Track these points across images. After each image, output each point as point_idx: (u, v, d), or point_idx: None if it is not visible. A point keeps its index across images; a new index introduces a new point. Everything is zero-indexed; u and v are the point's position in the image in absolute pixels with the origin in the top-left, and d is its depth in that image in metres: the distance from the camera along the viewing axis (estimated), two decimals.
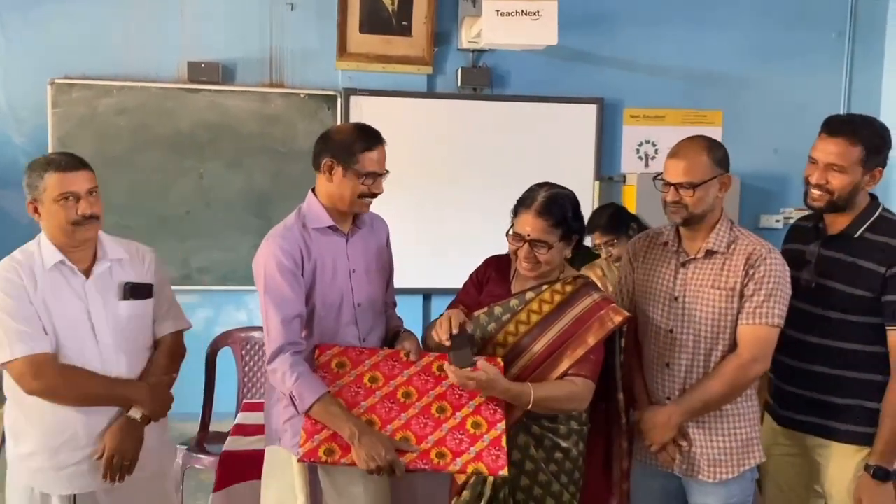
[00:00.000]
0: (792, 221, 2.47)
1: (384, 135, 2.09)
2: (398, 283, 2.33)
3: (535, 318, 2.04)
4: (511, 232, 2.04)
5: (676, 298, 2.09)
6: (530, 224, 1.99)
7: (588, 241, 2.96)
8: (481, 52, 4.45)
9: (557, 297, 2.05)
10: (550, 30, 3.83)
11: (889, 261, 2.03)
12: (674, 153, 2.06)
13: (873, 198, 2.14)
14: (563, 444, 2.01)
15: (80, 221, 2.01)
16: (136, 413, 2.06)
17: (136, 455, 2.05)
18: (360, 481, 2.01)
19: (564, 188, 2.07)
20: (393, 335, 2.20)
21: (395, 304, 2.32)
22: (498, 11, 3.81)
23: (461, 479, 1.99)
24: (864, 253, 2.07)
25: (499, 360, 2.01)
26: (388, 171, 2.09)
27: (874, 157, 2.05)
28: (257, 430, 2.39)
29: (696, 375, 2.07)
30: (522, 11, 3.80)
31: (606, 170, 4.65)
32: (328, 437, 1.89)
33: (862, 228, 2.10)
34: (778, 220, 4.77)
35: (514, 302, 2.07)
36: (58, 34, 4.14)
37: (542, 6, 3.80)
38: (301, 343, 2.01)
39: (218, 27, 4.27)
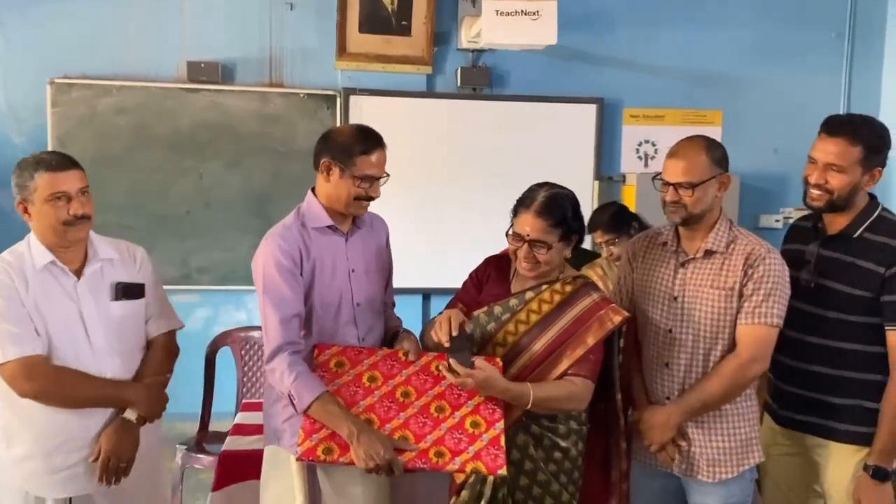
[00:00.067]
0: (791, 221, 2.47)
1: (384, 134, 2.08)
2: (397, 282, 2.32)
3: (534, 317, 2.04)
4: (511, 232, 2.04)
5: (676, 298, 2.09)
6: (530, 224, 1.99)
7: (588, 242, 2.97)
8: (481, 51, 4.45)
9: (557, 297, 2.05)
10: (550, 29, 3.83)
11: (888, 261, 2.03)
12: (673, 153, 2.06)
13: (872, 198, 2.14)
14: (563, 443, 2.01)
15: (71, 222, 1.98)
16: (131, 414, 2.05)
17: (133, 456, 2.04)
18: (360, 481, 2.01)
19: (564, 188, 2.07)
20: (392, 335, 2.20)
21: (394, 304, 2.32)
22: (497, 11, 3.81)
23: (460, 478, 1.99)
24: (864, 253, 2.07)
25: (498, 360, 2.01)
26: (387, 175, 2.08)
27: (873, 157, 2.05)
28: (256, 429, 2.39)
29: (696, 375, 2.07)
30: (522, 11, 3.80)
31: (606, 170, 4.65)
32: (327, 436, 1.89)
33: (861, 228, 2.10)
34: (777, 220, 4.77)
35: (513, 301, 2.07)
36: (57, 34, 4.14)
37: (541, 6, 3.80)
38: (299, 342, 2.01)
39: (217, 27, 4.27)
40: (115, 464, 2.00)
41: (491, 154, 4.44)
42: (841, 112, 4.42)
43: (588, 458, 2.07)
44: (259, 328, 2.11)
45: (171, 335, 2.23)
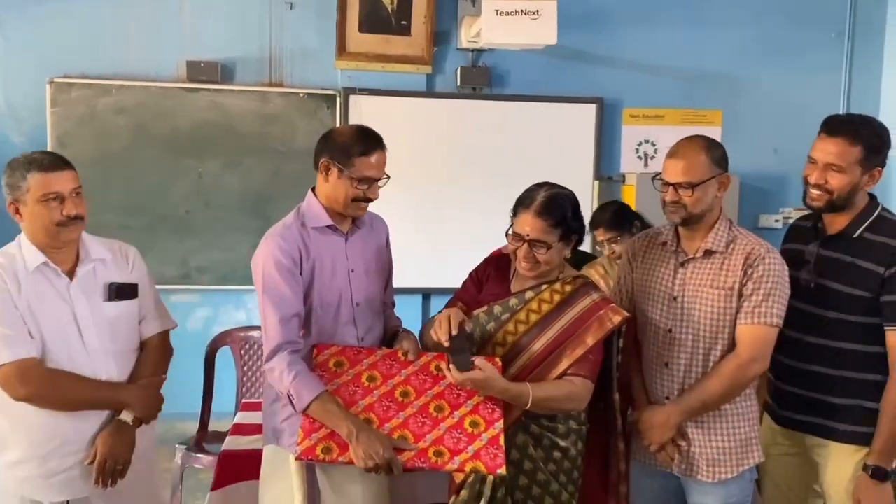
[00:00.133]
0: (791, 221, 2.47)
1: (384, 134, 2.08)
2: (397, 282, 2.32)
3: (534, 317, 2.04)
4: (510, 232, 2.04)
5: (675, 298, 2.09)
6: (530, 224, 1.99)
7: (587, 243, 2.96)
8: (481, 51, 4.46)
9: (557, 297, 2.05)
10: (550, 29, 3.83)
11: (888, 261, 2.03)
12: (672, 153, 2.06)
13: (872, 198, 2.14)
14: (562, 443, 2.01)
15: (64, 222, 1.96)
16: (127, 416, 2.04)
17: (129, 458, 2.02)
18: (359, 480, 2.00)
19: (564, 188, 2.07)
20: (391, 335, 2.20)
21: (393, 304, 2.32)
22: (497, 11, 3.81)
23: (459, 477, 1.99)
24: (863, 253, 2.07)
25: (497, 360, 2.00)
26: (387, 177, 2.07)
27: (873, 157, 2.05)
28: (256, 429, 2.38)
29: (695, 375, 2.07)
30: (522, 11, 3.80)
31: (606, 169, 4.65)
32: (326, 435, 1.89)
33: (861, 228, 2.09)
34: (777, 220, 4.77)
35: (513, 301, 2.07)
36: (57, 33, 4.14)
37: (541, 6, 3.80)
38: (299, 342, 2.01)
39: (217, 26, 4.27)
40: (111, 466, 1.99)
41: (491, 154, 4.44)
42: (841, 112, 4.43)
43: (587, 459, 2.07)
44: (258, 328, 2.11)
45: (164, 335, 2.22)
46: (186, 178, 4.27)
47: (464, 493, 1.97)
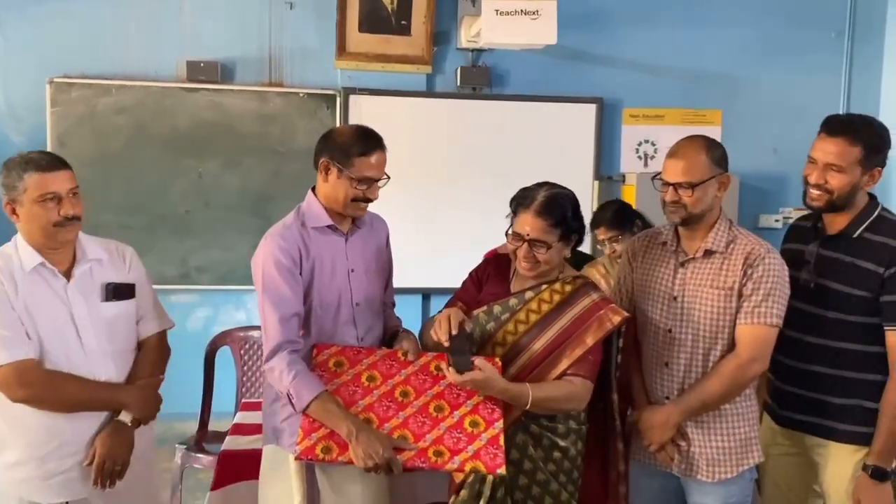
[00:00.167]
0: (791, 221, 2.47)
1: (383, 134, 2.08)
2: (397, 282, 2.32)
3: (534, 317, 2.04)
4: (510, 231, 2.04)
5: (675, 298, 2.09)
6: (529, 224, 1.99)
7: (587, 244, 2.96)
8: (480, 51, 4.45)
9: (557, 297, 2.05)
10: (550, 29, 3.83)
11: (888, 261, 2.03)
12: (672, 153, 2.06)
13: (872, 198, 2.13)
14: (562, 443, 2.01)
15: (62, 223, 1.95)
16: (126, 417, 2.04)
17: (128, 459, 2.02)
18: (358, 480, 2.00)
19: (564, 188, 2.07)
20: (391, 335, 2.20)
21: (394, 304, 2.32)
22: (497, 11, 3.81)
23: (459, 477, 1.99)
24: (863, 253, 2.07)
25: (497, 359, 2.00)
26: (387, 177, 2.07)
27: (873, 157, 2.05)
28: (256, 429, 2.38)
29: (695, 375, 2.06)
30: (522, 11, 3.80)
31: (606, 169, 4.65)
32: (326, 434, 1.89)
33: (861, 228, 2.09)
34: (777, 220, 4.77)
35: (513, 301, 2.07)
36: (57, 33, 4.14)
37: (541, 5, 3.80)
38: (298, 342, 2.00)
39: (217, 26, 4.27)
40: (110, 467, 1.99)
41: (491, 154, 4.44)
42: (840, 112, 4.43)
43: (587, 459, 2.07)
44: (258, 328, 2.11)
45: (162, 335, 2.21)
46: (186, 178, 4.27)
47: (463, 492, 1.97)
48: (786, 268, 2.04)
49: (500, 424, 1.93)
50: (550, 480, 2.00)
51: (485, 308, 2.08)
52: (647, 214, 3.12)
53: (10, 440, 1.98)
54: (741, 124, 4.70)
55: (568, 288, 2.05)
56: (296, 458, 1.94)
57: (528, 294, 2.06)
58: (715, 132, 4.56)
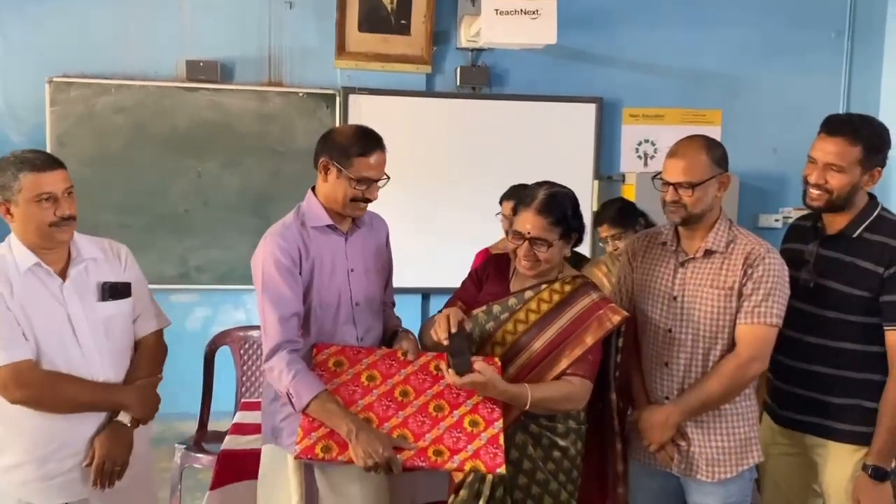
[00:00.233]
0: (791, 221, 2.47)
1: (383, 134, 2.08)
2: (397, 282, 2.32)
3: (533, 317, 2.04)
4: (511, 230, 2.04)
5: (675, 298, 2.09)
6: (530, 222, 1.99)
7: (587, 241, 2.96)
8: (480, 51, 4.45)
9: (556, 297, 2.04)
10: (549, 29, 3.83)
11: (887, 261, 2.03)
12: (673, 153, 2.05)
13: (872, 197, 2.13)
14: (562, 442, 2.01)
15: (58, 223, 1.93)
16: (125, 417, 2.03)
17: (127, 459, 2.02)
18: (357, 480, 2.00)
19: (564, 187, 2.07)
20: (391, 334, 2.20)
21: (393, 304, 2.32)
22: (497, 10, 3.81)
23: (458, 477, 1.98)
24: (863, 253, 2.07)
25: (496, 360, 2.00)
26: (387, 177, 2.07)
27: (873, 157, 2.05)
28: (255, 429, 2.38)
29: (695, 375, 2.06)
30: (521, 10, 3.80)
31: (605, 169, 4.65)
32: (325, 434, 1.89)
33: (860, 228, 2.09)
34: (777, 220, 4.77)
35: (512, 301, 2.07)
36: (56, 32, 4.14)
37: (541, 5, 3.79)
38: (298, 341, 2.00)
39: (216, 26, 4.27)
40: (109, 468, 1.98)
41: (490, 154, 4.44)
42: (840, 112, 4.43)
43: (586, 458, 2.07)
44: (258, 327, 2.11)
45: (159, 334, 2.20)
46: (185, 178, 4.26)
47: (463, 492, 1.96)
48: (786, 268, 2.04)
49: (499, 424, 1.93)
50: (550, 480, 2.00)
51: (484, 308, 2.08)
52: (647, 214, 3.12)
53: (9, 442, 1.97)
54: (741, 124, 4.70)
55: (567, 288, 2.05)
56: (295, 457, 1.94)
57: (528, 294, 2.06)
58: (715, 132, 4.56)
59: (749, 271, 2.00)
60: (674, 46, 4.65)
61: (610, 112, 4.64)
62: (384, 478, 2.04)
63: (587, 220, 2.19)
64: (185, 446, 3.09)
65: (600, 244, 3.20)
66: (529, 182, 2.15)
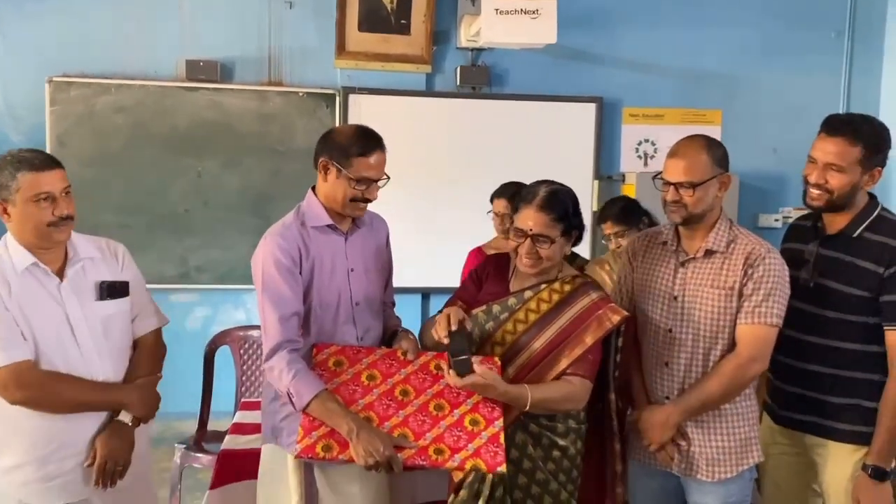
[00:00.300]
0: (791, 221, 2.47)
1: (383, 133, 2.08)
2: (397, 282, 2.32)
3: (533, 317, 2.04)
4: (512, 228, 2.04)
5: (676, 298, 2.09)
6: (532, 218, 1.99)
7: (586, 242, 2.96)
8: (480, 50, 4.45)
9: (556, 297, 2.04)
10: (549, 28, 3.83)
11: (887, 261, 2.03)
12: (673, 153, 2.05)
13: (872, 197, 2.13)
14: (561, 442, 2.01)
15: (56, 223, 1.92)
16: (126, 417, 2.03)
17: (129, 459, 2.01)
18: (357, 479, 2.00)
19: (564, 185, 2.07)
20: (390, 334, 2.20)
21: (393, 304, 2.32)
22: (497, 10, 3.81)
23: (458, 476, 1.99)
24: (863, 253, 2.07)
25: (496, 359, 2.00)
26: (387, 178, 2.06)
27: (873, 156, 2.05)
28: (255, 428, 2.38)
29: (695, 375, 2.06)
30: (521, 10, 3.80)
31: (605, 169, 4.65)
32: (326, 433, 1.89)
33: (860, 228, 2.09)
34: (777, 220, 4.77)
35: (512, 301, 2.07)
36: (56, 32, 4.14)
37: (541, 5, 3.79)
38: (298, 341, 2.00)
39: (216, 25, 4.27)
40: (111, 467, 1.97)
41: (490, 153, 4.44)
42: (840, 112, 4.42)
43: (586, 458, 2.07)
44: (258, 327, 2.11)
45: (158, 333, 2.20)
46: (185, 178, 4.26)
47: (463, 493, 1.96)
48: (786, 268, 2.04)
49: (500, 423, 1.93)
50: (550, 480, 2.00)
51: (484, 307, 2.08)
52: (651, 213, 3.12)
53: (9, 443, 1.95)
54: (741, 124, 4.70)
55: (567, 287, 2.05)
56: (296, 457, 1.93)
57: (528, 294, 2.06)
58: (715, 132, 4.56)
59: (749, 271, 2.00)
60: (674, 46, 4.65)
61: (610, 112, 4.64)
62: (384, 477, 2.04)
63: (587, 219, 2.19)
64: (185, 446, 3.09)
65: (603, 241, 3.20)
66: (528, 182, 2.15)
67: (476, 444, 1.89)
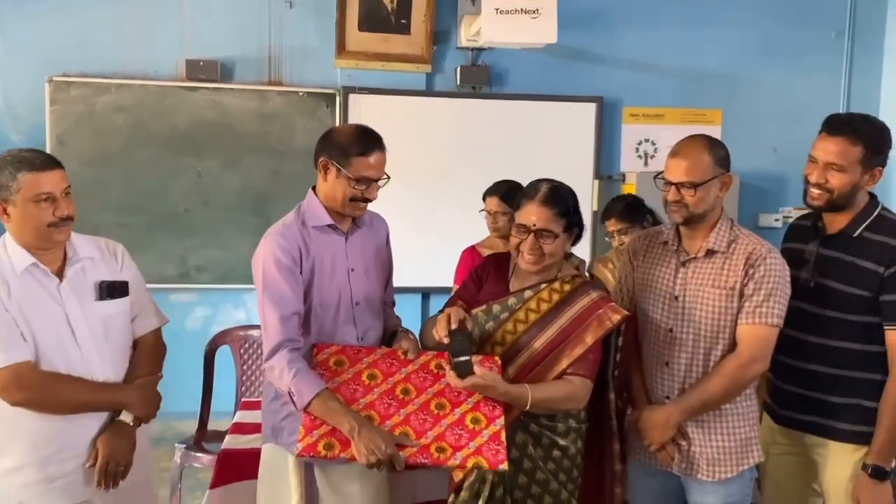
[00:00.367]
0: (791, 220, 2.46)
1: (383, 133, 2.07)
2: (397, 281, 2.32)
3: (533, 316, 2.04)
4: (514, 225, 2.04)
5: (676, 297, 2.09)
6: (536, 213, 1.98)
7: (586, 241, 2.95)
8: (480, 50, 4.45)
9: (556, 296, 2.04)
10: (550, 28, 3.83)
11: (888, 260, 2.03)
12: (675, 152, 2.05)
13: (872, 197, 2.13)
14: (562, 441, 2.01)
15: (56, 223, 1.91)
16: (127, 417, 2.02)
17: (131, 459, 2.01)
18: (357, 479, 2.00)
19: (564, 183, 2.07)
20: (391, 334, 2.20)
21: (394, 304, 2.31)
22: (497, 10, 3.81)
23: (458, 476, 1.99)
24: (863, 252, 2.07)
25: (496, 359, 2.00)
26: (387, 177, 2.06)
27: (874, 156, 2.05)
28: (255, 428, 2.38)
29: (696, 375, 2.06)
30: (522, 10, 3.80)
31: (606, 168, 4.65)
32: (327, 432, 1.89)
33: (861, 228, 2.09)
34: (777, 220, 4.77)
35: (512, 300, 2.06)
36: (56, 31, 4.14)
37: (541, 4, 3.80)
38: (299, 340, 2.00)
39: (216, 25, 4.27)
40: (113, 468, 1.97)
41: (490, 153, 4.44)
42: (840, 111, 4.42)
43: (586, 458, 2.07)
44: (258, 327, 2.10)
45: (158, 332, 2.19)
46: (185, 177, 4.26)
47: (463, 493, 1.97)
48: (787, 268, 2.04)
49: (501, 421, 1.93)
50: (550, 479, 2.00)
51: (484, 307, 2.08)
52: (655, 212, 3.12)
53: (10, 445, 1.94)
54: (741, 124, 4.70)
55: (567, 287, 2.05)
56: (297, 455, 1.93)
57: (528, 293, 2.06)
58: (715, 132, 4.56)
59: (750, 271, 2.00)
60: (674, 46, 4.65)
61: (610, 111, 4.64)
62: (384, 476, 2.04)
63: (587, 219, 2.19)
64: (185, 446, 3.09)
65: (606, 239, 3.21)
66: (527, 182, 2.15)
67: (477, 442, 1.89)
